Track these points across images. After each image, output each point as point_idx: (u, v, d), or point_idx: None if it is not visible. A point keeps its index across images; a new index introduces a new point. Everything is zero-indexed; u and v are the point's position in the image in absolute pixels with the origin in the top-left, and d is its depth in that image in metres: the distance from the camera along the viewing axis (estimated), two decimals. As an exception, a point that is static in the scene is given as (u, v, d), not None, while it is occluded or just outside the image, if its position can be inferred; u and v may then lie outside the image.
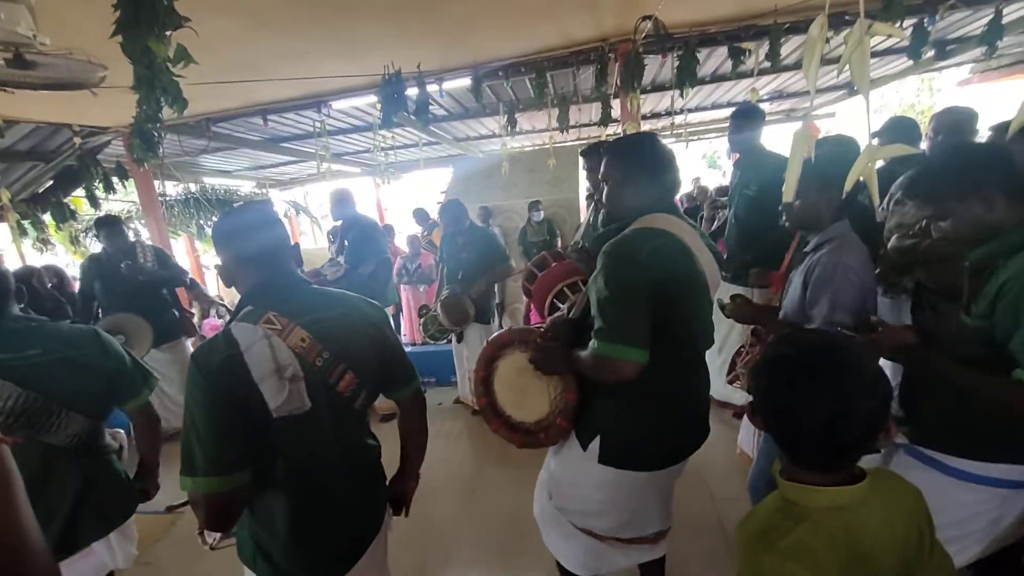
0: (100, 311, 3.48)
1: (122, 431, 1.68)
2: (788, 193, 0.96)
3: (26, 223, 4.72)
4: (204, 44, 1.61)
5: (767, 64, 3.26)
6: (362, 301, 1.25)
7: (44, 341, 1.36)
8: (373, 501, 1.28)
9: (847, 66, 0.85)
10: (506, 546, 2.33)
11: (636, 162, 1.35)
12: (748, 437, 2.50)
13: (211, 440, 0.97)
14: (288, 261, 1.15)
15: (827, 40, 2.99)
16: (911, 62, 3.82)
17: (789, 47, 3.74)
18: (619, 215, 1.39)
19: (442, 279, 3.65)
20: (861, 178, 0.87)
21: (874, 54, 4.84)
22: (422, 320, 3.65)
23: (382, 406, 3.58)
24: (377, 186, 9.94)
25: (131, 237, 3.73)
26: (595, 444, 1.36)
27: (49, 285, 3.56)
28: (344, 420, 1.15)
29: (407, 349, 4.87)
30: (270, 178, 9.03)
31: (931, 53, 4.20)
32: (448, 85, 3.87)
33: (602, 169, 1.43)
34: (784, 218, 1.61)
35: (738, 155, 2.91)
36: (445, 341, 3.72)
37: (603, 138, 5.46)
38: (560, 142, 6.23)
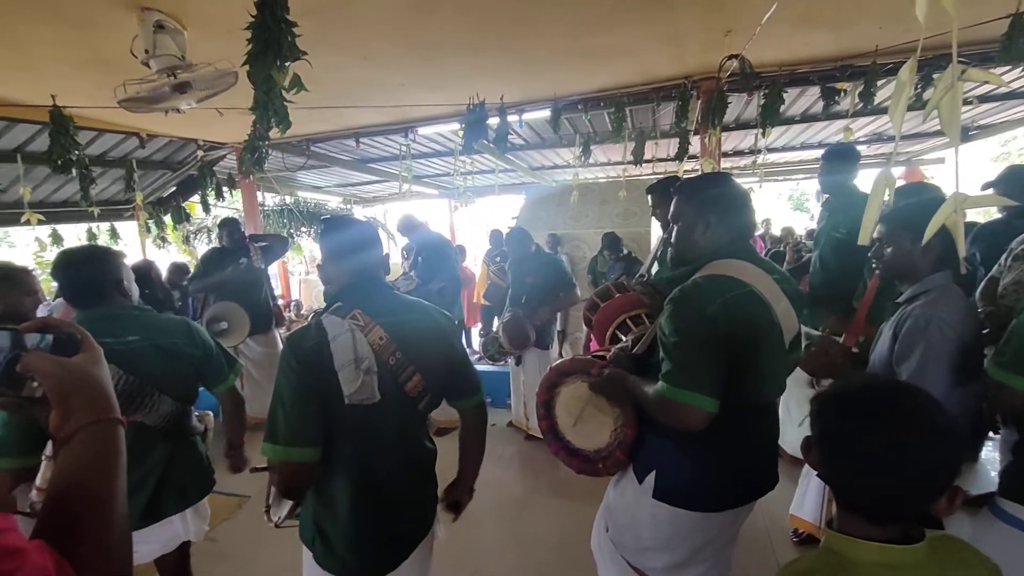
0: (212, 298, 3.87)
1: (211, 413, 1.84)
2: (865, 236, 0.91)
3: (151, 222, 5.41)
4: (312, 74, 1.81)
5: (862, 105, 3.09)
6: (437, 311, 1.34)
7: (141, 328, 1.50)
8: (425, 501, 1.33)
9: (935, 112, 0.81)
10: (547, 575, 2.27)
11: (709, 203, 1.30)
12: (809, 502, 2.26)
13: (294, 414, 1.09)
14: (378, 269, 1.28)
15: (918, 86, 2.80)
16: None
17: (890, 89, 3.53)
18: (689, 258, 1.34)
19: (506, 302, 3.73)
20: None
21: (991, 98, 4.44)
22: (483, 341, 3.73)
23: (439, 420, 3.67)
24: (453, 209, 10.36)
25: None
26: (651, 479, 1.32)
27: (164, 278, 4.06)
28: (408, 419, 1.24)
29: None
30: (355, 195, 9.70)
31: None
32: (528, 116, 4.01)
33: (672, 208, 1.39)
34: (875, 264, 1.50)
35: (828, 196, 2.77)
36: (503, 363, 3.76)
37: (678, 174, 5.38)
38: (634, 175, 6.20)
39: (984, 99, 4.45)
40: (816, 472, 0.79)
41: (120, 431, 0.60)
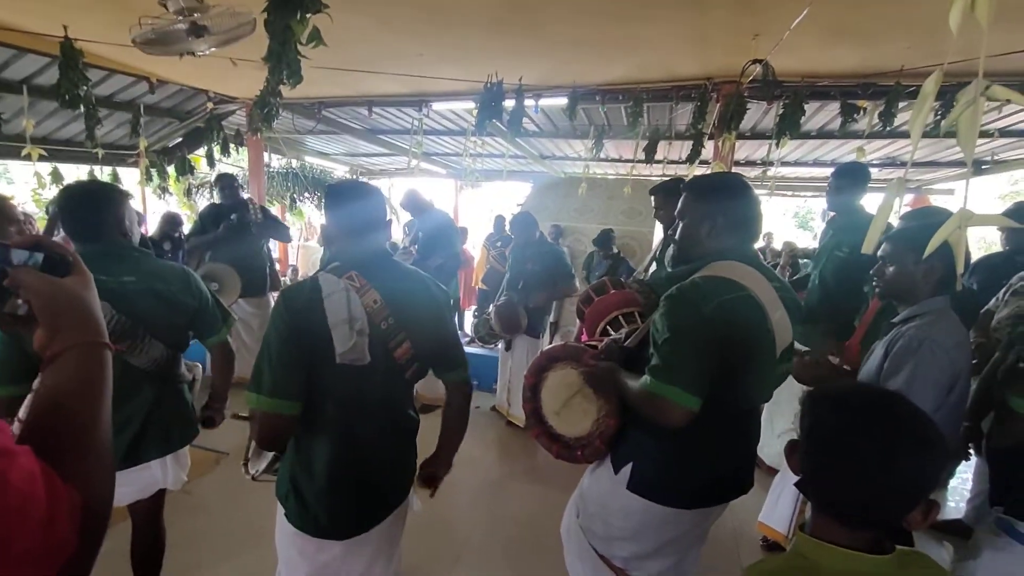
0: (207, 255, 3.85)
1: (199, 365, 1.84)
2: (869, 246, 0.91)
3: (153, 171, 5.34)
4: (331, 33, 1.77)
5: (880, 126, 3.07)
6: (433, 282, 1.34)
7: (138, 271, 1.48)
8: (402, 469, 1.34)
9: (950, 136, 0.79)
10: (517, 558, 2.30)
11: (720, 202, 1.28)
12: (780, 511, 2.28)
13: (280, 366, 1.10)
14: (380, 234, 1.27)
15: (938, 113, 2.78)
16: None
17: (908, 114, 3.50)
18: (691, 256, 1.32)
19: (503, 286, 3.72)
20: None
21: (1011, 133, 4.41)
22: (475, 322, 3.73)
23: (425, 396, 3.68)
24: (459, 190, 10.29)
25: (243, 195, 4.13)
26: (627, 470, 1.33)
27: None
28: (394, 385, 1.25)
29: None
30: (362, 166, 9.61)
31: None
32: (545, 102, 3.97)
33: (680, 204, 1.37)
34: (875, 282, 1.50)
35: (833, 214, 2.75)
36: (493, 346, 3.77)
37: (685, 177, 5.35)
38: (642, 175, 6.17)
39: (1004, 133, 4.42)
40: (796, 478, 0.79)
41: (107, 356, 0.59)
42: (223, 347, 1.71)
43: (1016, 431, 1.61)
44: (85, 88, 2.88)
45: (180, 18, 1.83)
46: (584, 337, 2.85)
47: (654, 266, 2.93)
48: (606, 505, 1.40)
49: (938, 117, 2.82)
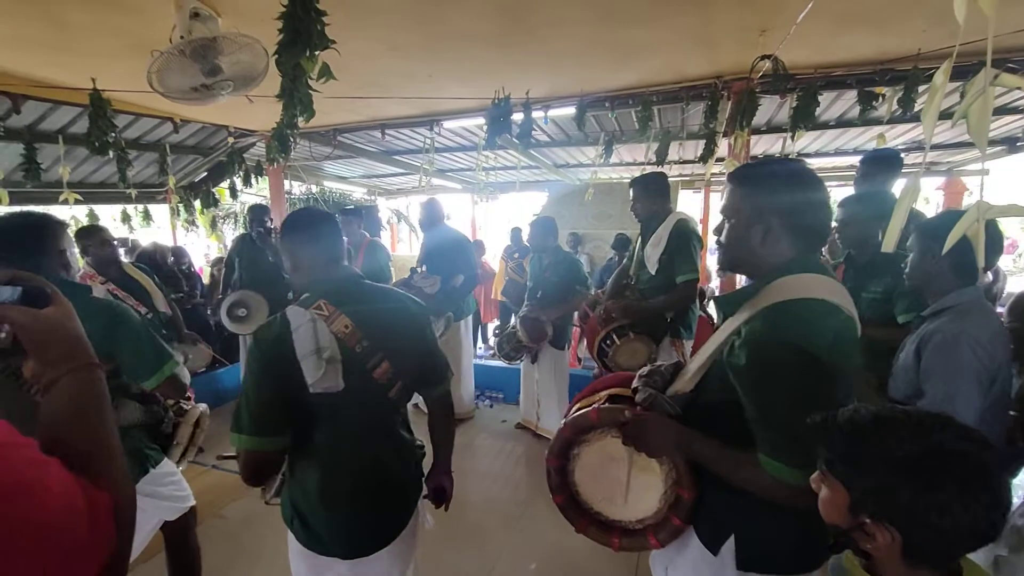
0: (238, 282, 3.99)
1: (202, 406, 1.87)
2: (889, 243, 0.88)
3: (181, 206, 5.57)
4: (341, 63, 1.83)
5: (900, 112, 2.97)
6: (409, 299, 1.36)
7: None
8: (400, 489, 1.34)
9: (963, 119, 0.77)
10: (547, 577, 2.27)
11: (780, 194, 1.00)
12: None
13: (257, 405, 1.12)
14: (342, 258, 1.29)
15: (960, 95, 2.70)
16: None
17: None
18: (745, 269, 1.10)
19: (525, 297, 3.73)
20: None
21: (1040, 108, 4.22)
22: (497, 339, 3.72)
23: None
24: (474, 203, 10.38)
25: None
26: (729, 547, 1.07)
27: (170, 261, 4.21)
28: (377, 406, 1.25)
29: (482, 362, 4.91)
30: (379, 187, 9.80)
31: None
32: (553, 113, 3.98)
33: (725, 198, 1.10)
34: (905, 272, 1.45)
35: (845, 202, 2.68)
36: (518, 361, 3.76)
37: (704, 176, 5.28)
38: (659, 176, 6.10)
39: (1032, 111, 4.24)
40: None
41: (100, 374, 0.64)
42: (171, 382, 1.57)
43: None
44: (114, 135, 3.02)
45: (193, 58, 1.91)
46: (579, 348, 2.77)
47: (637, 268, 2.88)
48: None
49: (958, 101, 2.72)
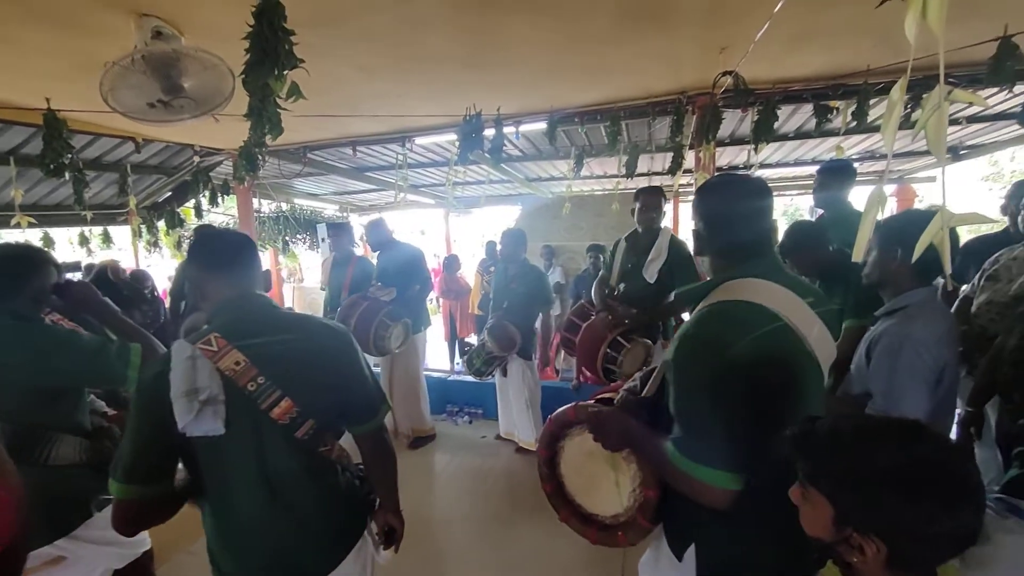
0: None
1: None
2: (858, 253, 0.92)
3: (143, 227, 5.38)
4: (310, 83, 1.81)
5: (854, 124, 3.13)
6: (323, 328, 1.22)
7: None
8: (312, 536, 1.18)
9: (922, 132, 0.82)
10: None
11: (708, 205, 1.14)
12: None
13: (129, 450, 1.04)
14: (252, 285, 1.19)
15: (908, 106, 2.87)
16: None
17: (881, 108, 3.57)
18: (710, 271, 1.17)
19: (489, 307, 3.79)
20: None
21: (981, 119, 4.51)
22: (466, 356, 3.70)
23: (416, 429, 3.64)
24: (446, 218, 10.37)
25: None
26: (691, 555, 1.08)
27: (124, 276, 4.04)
28: (277, 448, 1.11)
29: (460, 378, 4.84)
30: (351, 203, 9.69)
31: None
32: (524, 128, 4.03)
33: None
34: (864, 272, 1.51)
35: (822, 212, 2.80)
36: (490, 377, 3.74)
37: (673, 187, 5.42)
38: (629, 188, 6.23)
39: (973, 120, 4.52)
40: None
41: None
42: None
43: None
44: (70, 156, 2.91)
45: (153, 76, 1.86)
46: (591, 377, 2.76)
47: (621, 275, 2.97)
48: None
49: (908, 111, 2.89)
